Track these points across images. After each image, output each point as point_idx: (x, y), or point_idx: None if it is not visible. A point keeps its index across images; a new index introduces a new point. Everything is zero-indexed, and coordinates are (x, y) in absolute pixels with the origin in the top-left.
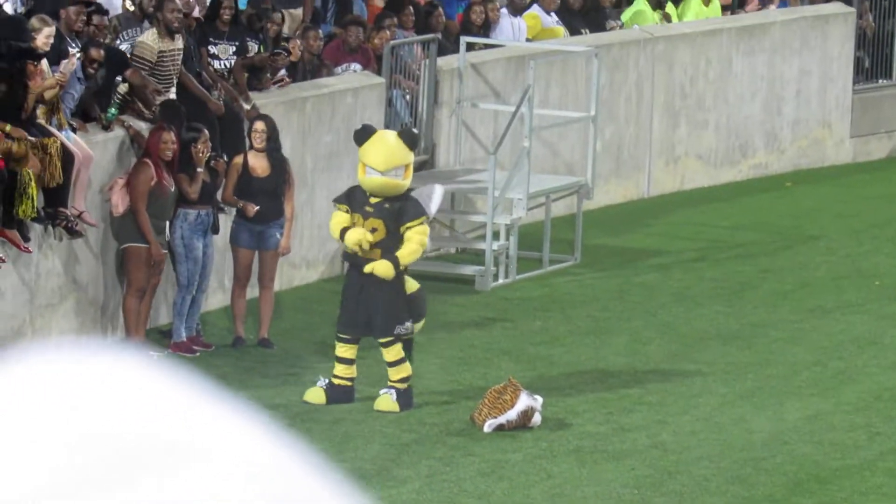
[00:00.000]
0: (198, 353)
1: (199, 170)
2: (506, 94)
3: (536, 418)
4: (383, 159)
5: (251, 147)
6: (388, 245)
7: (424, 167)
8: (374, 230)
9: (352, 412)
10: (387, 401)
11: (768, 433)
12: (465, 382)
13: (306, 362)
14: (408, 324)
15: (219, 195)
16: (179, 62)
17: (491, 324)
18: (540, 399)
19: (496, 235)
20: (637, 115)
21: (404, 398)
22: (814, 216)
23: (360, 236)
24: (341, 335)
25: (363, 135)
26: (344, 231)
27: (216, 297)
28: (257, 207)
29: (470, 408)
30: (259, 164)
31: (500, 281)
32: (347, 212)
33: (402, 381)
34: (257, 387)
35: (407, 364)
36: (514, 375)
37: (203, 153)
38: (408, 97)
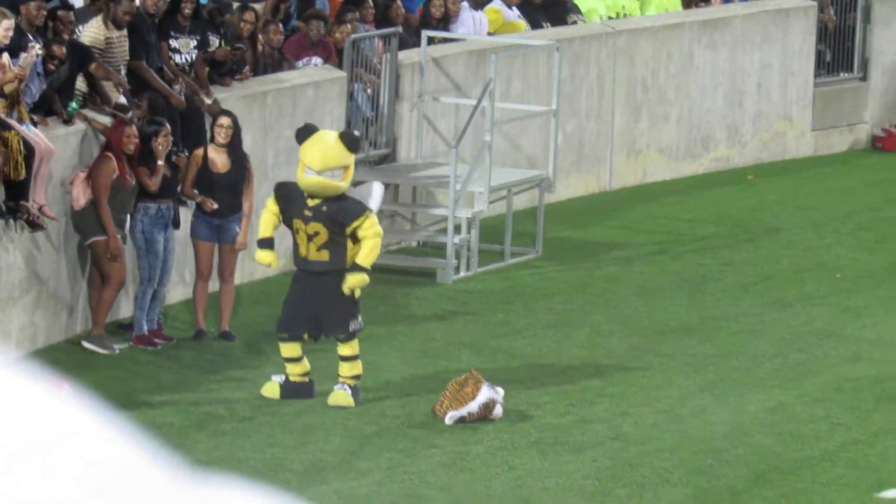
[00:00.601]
0: (159, 346)
1: (159, 163)
2: (467, 88)
3: (498, 410)
4: (320, 158)
5: (212, 141)
6: (333, 247)
7: (386, 161)
8: (316, 234)
9: (313, 404)
10: (342, 396)
11: (729, 425)
12: (427, 375)
13: (267, 355)
14: (360, 319)
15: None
16: (126, 49)
17: (452, 316)
18: (501, 391)
19: (458, 229)
20: (598, 108)
21: (356, 394)
22: (775, 209)
23: (269, 260)
24: (280, 334)
25: (304, 133)
26: (262, 242)
27: (177, 291)
28: (216, 206)
29: (431, 400)
30: (219, 159)
31: (462, 274)
32: (277, 214)
33: (354, 377)
34: (219, 380)
35: (359, 362)
36: (475, 368)
37: (164, 147)
38: (369, 91)
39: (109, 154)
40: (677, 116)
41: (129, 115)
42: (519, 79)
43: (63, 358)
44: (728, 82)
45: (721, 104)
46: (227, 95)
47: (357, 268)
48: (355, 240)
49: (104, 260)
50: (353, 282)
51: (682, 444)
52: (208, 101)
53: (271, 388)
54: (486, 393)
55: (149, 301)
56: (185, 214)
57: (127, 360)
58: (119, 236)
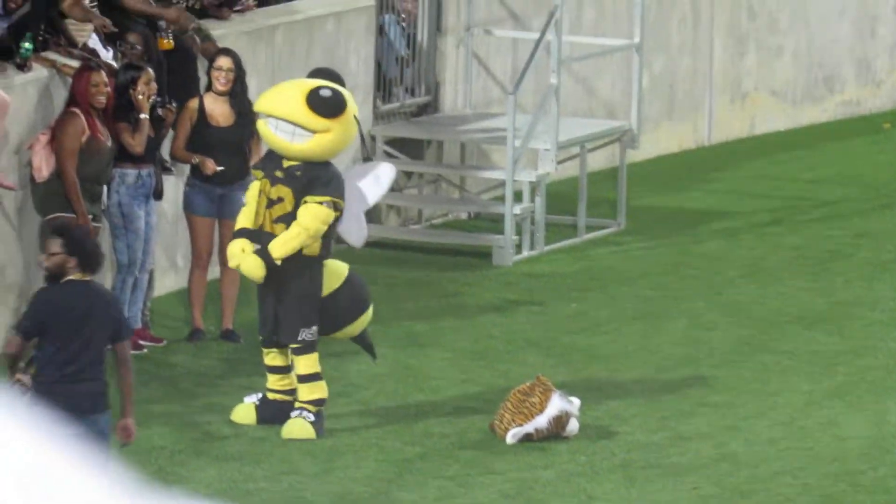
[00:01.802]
0: (145, 350)
1: (142, 117)
2: (527, 18)
3: (572, 425)
4: (268, 100)
5: (209, 89)
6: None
7: (426, 112)
8: (279, 200)
9: (340, 419)
10: (300, 425)
11: (866, 440)
12: (483, 382)
13: None
14: (314, 328)
15: (165, 151)
16: None
17: (514, 307)
18: (576, 401)
19: (518, 196)
20: (694, 41)
21: (319, 423)
22: None
23: (235, 251)
24: (261, 338)
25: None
26: (238, 233)
27: (168, 279)
28: (219, 168)
29: (489, 414)
30: (220, 110)
31: (525, 253)
32: (261, 178)
33: (314, 402)
34: (221, 392)
35: (322, 383)
36: (543, 372)
37: (146, 96)
38: (404, 23)
39: (75, 110)
40: (793, 50)
41: (101, 58)
42: (592, 5)
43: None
44: (857, 5)
45: (849, 33)
46: (225, 31)
47: (263, 253)
48: None
49: None
50: (246, 265)
51: (806, 466)
52: (199, 40)
53: (244, 412)
54: (557, 404)
55: (129, 293)
56: (175, 183)
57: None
58: (92, 215)
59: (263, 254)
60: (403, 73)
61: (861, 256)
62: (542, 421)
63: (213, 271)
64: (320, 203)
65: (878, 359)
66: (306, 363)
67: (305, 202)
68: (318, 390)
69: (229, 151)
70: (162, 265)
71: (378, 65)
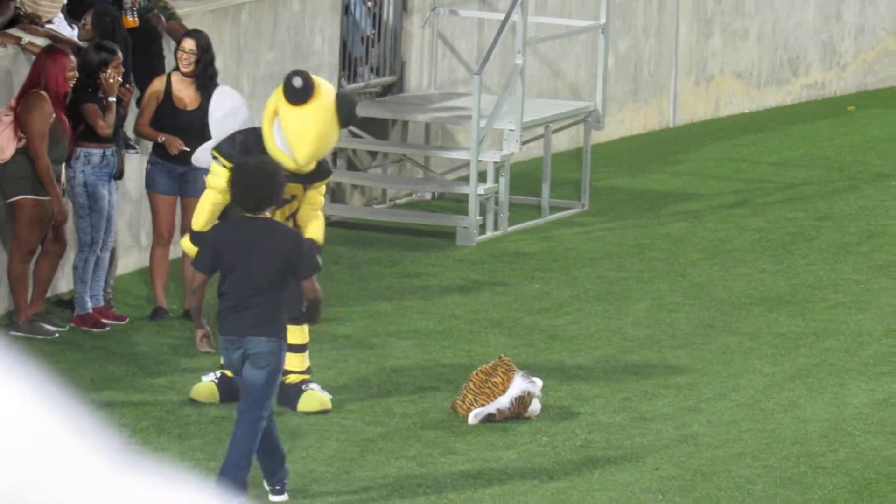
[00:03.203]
0: (108, 328)
1: (111, 100)
2: None
3: (535, 406)
4: (309, 152)
5: (175, 70)
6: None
7: (391, 91)
8: (292, 197)
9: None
10: (319, 398)
11: (827, 422)
12: (445, 362)
13: None
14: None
15: (129, 129)
16: None
17: (477, 288)
18: (539, 382)
19: (482, 177)
20: (659, 22)
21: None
22: (883, 149)
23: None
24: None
25: (303, 95)
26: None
27: (131, 258)
28: (186, 148)
29: (451, 394)
30: (186, 92)
31: (489, 234)
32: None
33: (309, 370)
34: (182, 369)
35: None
36: (505, 353)
37: (115, 79)
38: (370, 3)
39: (43, 93)
40: (758, 32)
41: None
42: None
43: None
44: None
45: (814, 16)
46: (190, 10)
47: (314, 248)
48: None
49: (21, 223)
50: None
51: (767, 448)
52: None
53: (206, 390)
54: (519, 384)
55: (91, 272)
56: (139, 161)
57: (68, 345)
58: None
59: (316, 249)
60: (369, 52)
61: (824, 239)
62: (504, 401)
63: (176, 250)
64: (327, 183)
65: (840, 341)
66: (303, 334)
67: (315, 187)
68: (307, 360)
69: (193, 133)
70: (126, 243)
71: (343, 44)
